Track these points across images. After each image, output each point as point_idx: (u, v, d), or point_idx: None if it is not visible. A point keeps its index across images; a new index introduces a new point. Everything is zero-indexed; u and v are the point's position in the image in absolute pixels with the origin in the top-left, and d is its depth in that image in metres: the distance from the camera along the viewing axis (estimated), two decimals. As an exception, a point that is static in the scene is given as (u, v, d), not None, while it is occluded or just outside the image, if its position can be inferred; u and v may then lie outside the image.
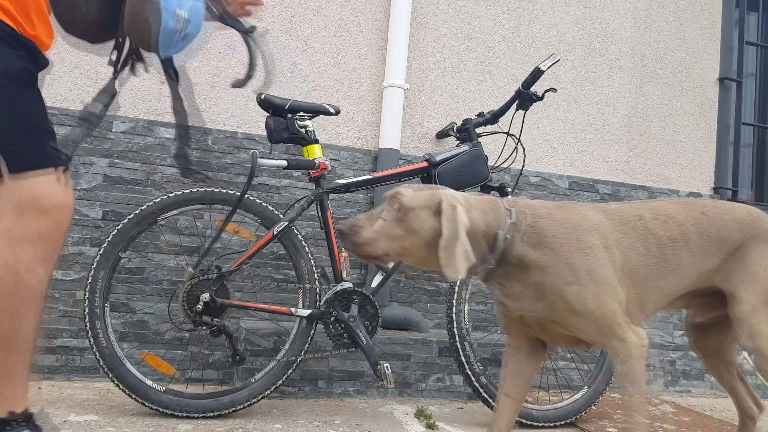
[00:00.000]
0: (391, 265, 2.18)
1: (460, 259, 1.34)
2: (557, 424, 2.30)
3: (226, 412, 2.03)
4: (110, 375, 1.96)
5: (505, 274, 1.46)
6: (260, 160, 2.13)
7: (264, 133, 2.60)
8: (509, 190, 2.38)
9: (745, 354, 2.22)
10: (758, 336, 1.56)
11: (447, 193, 1.41)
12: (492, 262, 1.44)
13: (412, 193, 1.40)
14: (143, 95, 2.58)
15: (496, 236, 1.42)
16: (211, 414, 2.01)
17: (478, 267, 1.44)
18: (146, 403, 1.98)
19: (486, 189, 2.42)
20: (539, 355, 1.62)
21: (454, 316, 2.23)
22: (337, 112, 2.22)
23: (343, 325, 2.13)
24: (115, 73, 1.47)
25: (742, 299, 1.58)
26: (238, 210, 2.09)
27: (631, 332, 1.46)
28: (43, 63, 1.39)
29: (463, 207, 1.39)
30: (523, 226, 1.44)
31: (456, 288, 2.28)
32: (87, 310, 1.98)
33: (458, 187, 2.24)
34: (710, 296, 1.72)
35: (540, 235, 1.44)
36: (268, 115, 2.19)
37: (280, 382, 2.10)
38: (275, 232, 2.11)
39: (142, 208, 2.05)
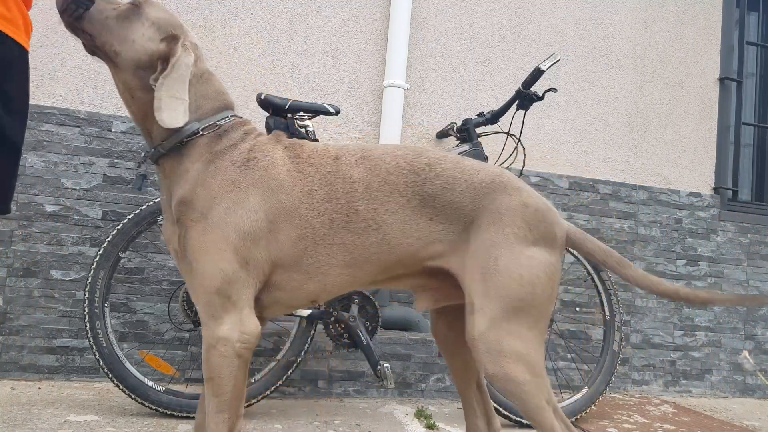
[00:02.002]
0: None
1: (182, 105, 1.18)
2: (557, 424, 2.30)
3: (226, 412, 2.03)
4: (110, 375, 1.96)
5: (169, 167, 1.25)
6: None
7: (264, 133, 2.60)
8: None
9: (745, 353, 2.13)
10: (499, 356, 1.15)
11: (192, 38, 1.27)
12: (165, 146, 1.24)
13: (159, 6, 1.25)
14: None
15: (188, 124, 1.23)
16: (211, 414, 2.01)
17: (155, 141, 1.25)
18: (146, 404, 1.98)
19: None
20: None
21: (454, 316, 2.23)
22: (337, 112, 2.22)
23: (343, 326, 2.13)
24: None
25: (477, 309, 1.18)
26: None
27: (232, 318, 1.14)
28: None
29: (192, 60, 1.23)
30: (223, 136, 1.24)
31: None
32: (87, 310, 1.98)
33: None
34: (441, 279, 1.34)
35: (221, 150, 1.22)
36: (268, 115, 2.19)
37: (280, 382, 2.10)
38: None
39: (142, 208, 2.05)
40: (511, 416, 2.23)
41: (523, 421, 2.24)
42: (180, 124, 1.17)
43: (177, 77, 1.19)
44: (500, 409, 2.22)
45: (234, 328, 1.13)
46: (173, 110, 1.17)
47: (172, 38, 1.22)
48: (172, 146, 1.23)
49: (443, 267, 1.26)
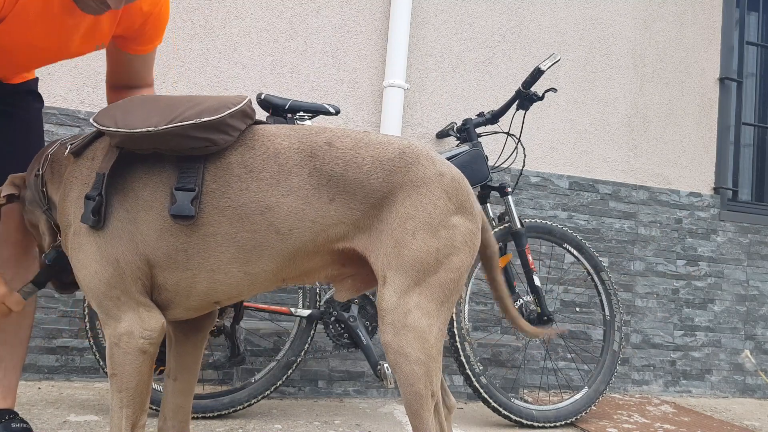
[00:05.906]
0: None
1: None
2: (557, 424, 2.30)
3: (226, 412, 2.03)
4: (110, 375, 1.96)
5: None
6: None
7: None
8: (509, 189, 2.38)
9: (747, 352, 2.12)
10: (402, 329, 1.11)
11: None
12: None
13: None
14: (143, 95, 2.58)
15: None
16: (211, 414, 2.01)
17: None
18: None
19: (486, 189, 2.42)
20: None
21: (454, 316, 2.23)
22: (337, 112, 2.22)
23: (343, 326, 2.13)
24: None
25: (387, 281, 1.13)
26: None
27: (130, 315, 1.12)
28: None
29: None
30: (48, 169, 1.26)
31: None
32: (87, 310, 1.98)
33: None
34: (358, 265, 1.27)
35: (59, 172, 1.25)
36: (268, 115, 2.19)
37: (280, 382, 2.10)
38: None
39: (142, 208, 2.05)
40: (511, 416, 2.23)
41: (523, 421, 2.24)
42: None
43: None
44: (500, 409, 2.21)
45: (134, 324, 1.11)
46: None
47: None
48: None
49: (349, 248, 1.19)
